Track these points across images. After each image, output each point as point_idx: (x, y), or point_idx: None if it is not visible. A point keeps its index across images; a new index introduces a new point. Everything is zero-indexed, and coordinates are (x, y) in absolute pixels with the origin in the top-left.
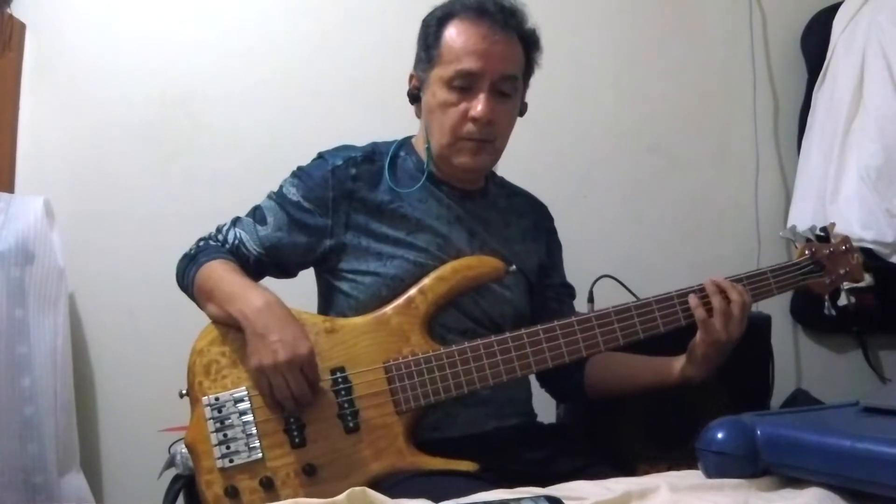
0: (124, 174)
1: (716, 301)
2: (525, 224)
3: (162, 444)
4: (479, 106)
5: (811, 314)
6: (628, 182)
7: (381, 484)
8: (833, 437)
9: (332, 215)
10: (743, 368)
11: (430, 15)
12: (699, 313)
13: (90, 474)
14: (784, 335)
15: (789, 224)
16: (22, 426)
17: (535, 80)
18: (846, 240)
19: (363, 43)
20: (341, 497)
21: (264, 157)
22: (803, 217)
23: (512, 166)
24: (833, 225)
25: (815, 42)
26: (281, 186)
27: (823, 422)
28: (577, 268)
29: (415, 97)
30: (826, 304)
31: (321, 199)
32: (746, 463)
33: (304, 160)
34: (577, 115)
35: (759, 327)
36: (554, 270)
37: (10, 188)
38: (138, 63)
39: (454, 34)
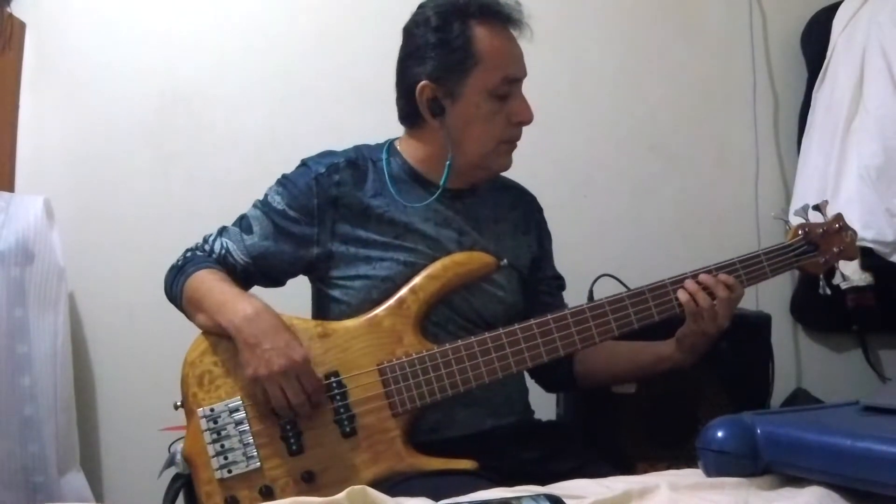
0: (124, 174)
1: (700, 298)
2: (515, 217)
3: (162, 443)
4: (525, 111)
5: (811, 313)
6: (628, 182)
7: (380, 485)
8: (833, 437)
9: (317, 223)
10: (743, 368)
11: (442, 16)
12: (690, 307)
13: (90, 474)
14: (784, 335)
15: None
16: (22, 426)
17: (536, 81)
18: (839, 218)
19: (363, 42)
20: (341, 496)
21: (264, 157)
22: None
23: (512, 166)
24: (826, 203)
25: (815, 42)
26: (266, 195)
27: (823, 421)
28: (577, 267)
29: (439, 110)
30: (821, 283)
31: (306, 207)
32: (746, 462)
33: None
34: (577, 115)
35: (759, 327)
36: (546, 262)
37: (10, 188)
38: (138, 62)
39: (487, 37)
